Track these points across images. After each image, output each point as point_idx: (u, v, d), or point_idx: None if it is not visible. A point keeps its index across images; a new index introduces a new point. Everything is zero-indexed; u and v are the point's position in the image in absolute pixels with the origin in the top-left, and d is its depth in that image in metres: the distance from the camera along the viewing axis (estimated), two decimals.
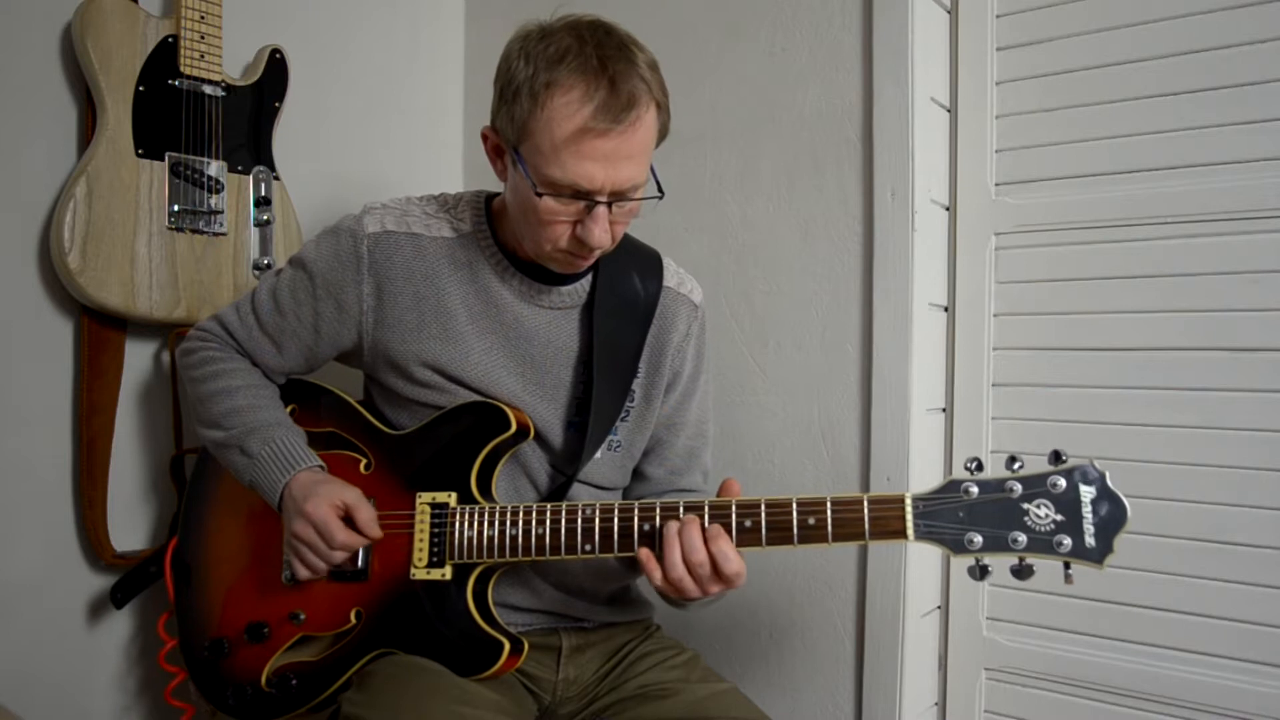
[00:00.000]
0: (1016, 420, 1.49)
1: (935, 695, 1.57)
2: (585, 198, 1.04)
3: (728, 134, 1.64)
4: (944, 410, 1.56)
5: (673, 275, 1.28)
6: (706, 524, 1.02)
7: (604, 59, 1.01)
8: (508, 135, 1.07)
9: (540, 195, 1.05)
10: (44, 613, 1.40)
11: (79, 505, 1.42)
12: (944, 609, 1.56)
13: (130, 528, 1.48)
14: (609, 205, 1.05)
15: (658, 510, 1.05)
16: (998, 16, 1.51)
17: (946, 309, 1.56)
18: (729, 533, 1.01)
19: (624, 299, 1.22)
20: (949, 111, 1.55)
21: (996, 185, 1.52)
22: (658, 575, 1.02)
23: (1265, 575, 1.31)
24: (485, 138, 1.14)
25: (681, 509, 1.04)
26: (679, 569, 1.00)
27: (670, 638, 1.31)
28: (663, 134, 1.10)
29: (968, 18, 1.53)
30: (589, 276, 1.22)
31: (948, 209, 1.56)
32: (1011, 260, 1.51)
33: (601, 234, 1.06)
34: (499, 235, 1.20)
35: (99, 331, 1.39)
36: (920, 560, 1.48)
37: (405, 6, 1.88)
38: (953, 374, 1.55)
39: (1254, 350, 1.32)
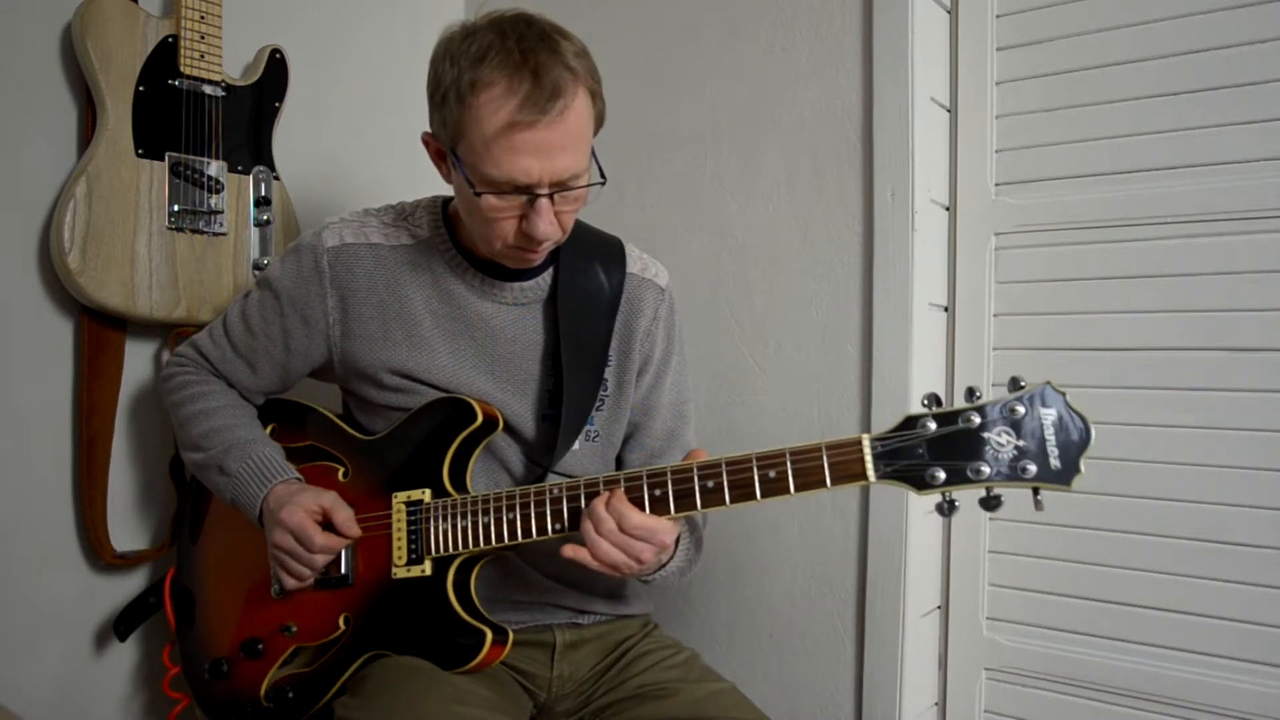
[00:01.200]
0: None
1: (935, 695, 1.56)
2: (526, 192, 1.04)
3: (728, 134, 1.64)
4: None
5: (636, 261, 1.28)
6: (642, 490, 1.03)
7: (526, 51, 1.01)
8: (443, 138, 1.08)
9: (479, 194, 1.05)
10: (43, 613, 1.40)
11: (79, 505, 1.42)
12: (944, 609, 1.56)
13: (130, 528, 1.48)
14: (550, 197, 1.05)
15: (621, 481, 1.05)
16: (998, 16, 1.51)
17: (946, 309, 1.56)
18: (694, 496, 1.01)
19: (587, 290, 1.22)
20: (949, 111, 1.55)
21: (996, 185, 1.52)
22: (588, 559, 1.03)
23: (1265, 575, 1.31)
24: (427, 144, 1.14)
25: (645, 476, 1.04)
26: (601, 545, 1.02)
27: (669, 636, 1.30)
28: (599, 121, 1.10)
29: (968, 18, 1.53)
30: (550, 270, 1.22)
31: (948, 209, 1.56)
32: (1011, 260, 1.50)
33: (546, 227, 1.06)
34: (458, 237, 1.20)
35: (99, 331, 1.39)
36: (920, 560, 1.48)
37: (405, 6, 1.88)
38: (953, 374, 1.55)
39: (1254, 350, 1.32)
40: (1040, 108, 1.48)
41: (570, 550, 1.04)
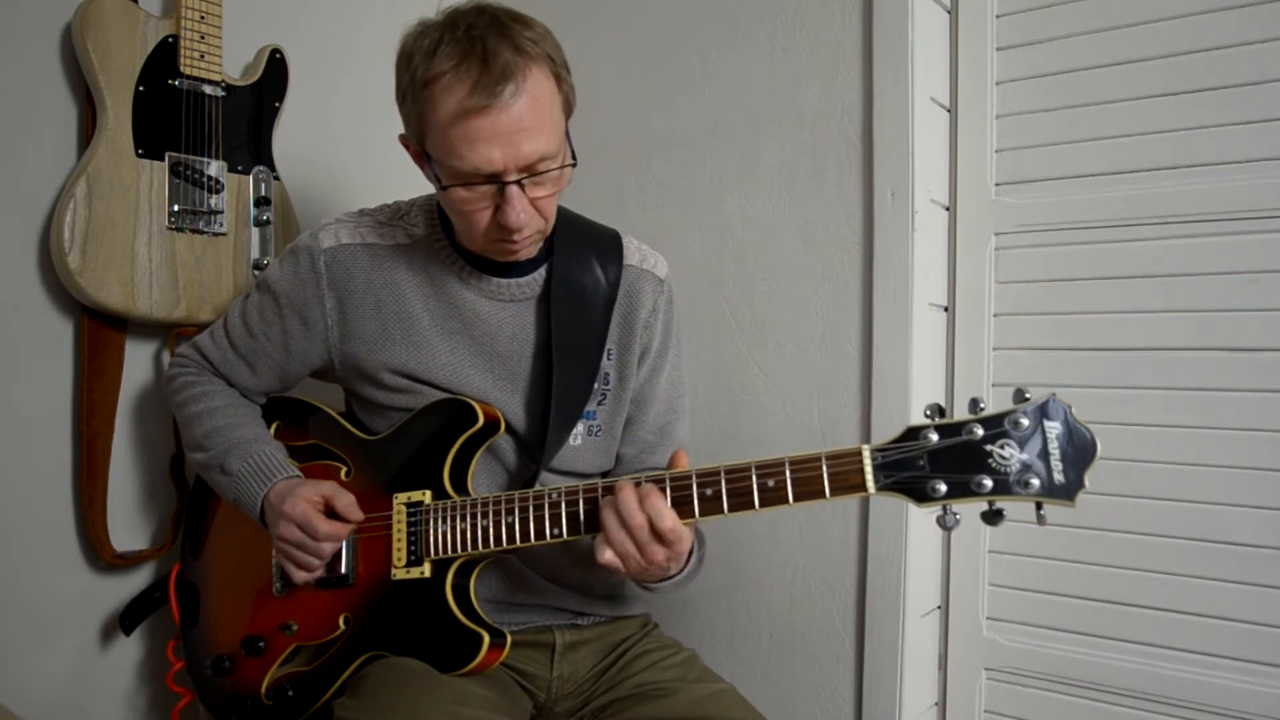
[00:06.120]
0: None
1: (935, 695, 1.56)
2: (493, 181, 1.03)
3: (728, 134, 1.64)
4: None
5: (634, 253, 1.26)
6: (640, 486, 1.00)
7: (474, 38, 0.99)
8: (413, 137, 1.08)
9: (445, 188, 1.04)
10: (43, 612, 1.40)
11: (79, 505, 1.42)
12: (944, 609, 1.56)
13: (130, 527, 1.48)
14: (520, 184, 1.03)
15: (642, 481, 1.02)
16: (998, 16, 1.51)
17: (946, 309, 1.56)
18: (691, 504, 0.99)
19: (582, 285, 1.21)
20: (949, 111, 1.55)
21: (996, 185, 1.52)
22: (605, 552, 1.00)
23: (1265, 575, 1.31)
24: (405, 145, 1.13)
25: (642, 481, 1.02)
26: (618, 534, 0.99)
27: (668, 636, 1.30)
28: (568, 103, 1.08)
29: (968, 18, 1.53)
30: (545, 265, 1.21)
31: (948, 209, 1.56)
32: (1011, 260, 1.50)
33: (518, 215, 1.04)
34: (453, 235, 1.19)
35: (99, 331, 1.39)
36: (920, 560, 1.48)
37: (405, 6, 1.87)
38: (953, 374, 1.55)
39: (1254, 350, 1.32)
40: (1040, 108, 1.48)
41: (607, 557, 1.00)
